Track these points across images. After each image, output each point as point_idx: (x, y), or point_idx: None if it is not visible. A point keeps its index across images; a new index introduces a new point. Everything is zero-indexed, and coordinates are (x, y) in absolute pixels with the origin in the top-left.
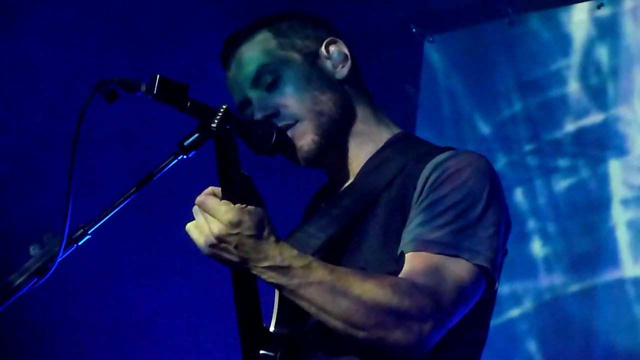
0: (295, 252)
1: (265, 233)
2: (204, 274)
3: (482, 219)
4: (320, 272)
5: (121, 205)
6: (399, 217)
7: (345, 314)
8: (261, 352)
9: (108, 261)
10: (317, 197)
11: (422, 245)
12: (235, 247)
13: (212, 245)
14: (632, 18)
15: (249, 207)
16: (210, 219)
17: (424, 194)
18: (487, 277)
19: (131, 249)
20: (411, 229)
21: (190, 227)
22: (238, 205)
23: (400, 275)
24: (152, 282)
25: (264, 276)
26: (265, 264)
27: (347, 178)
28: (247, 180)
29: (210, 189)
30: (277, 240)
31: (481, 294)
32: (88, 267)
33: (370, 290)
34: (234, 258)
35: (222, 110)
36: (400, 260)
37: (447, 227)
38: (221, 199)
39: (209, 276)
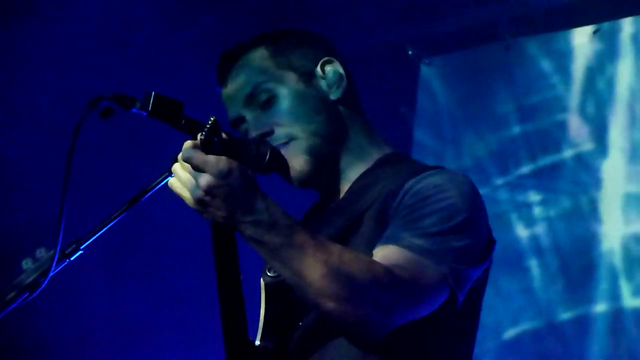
0: (281, 209)
1: (253, 186)
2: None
3: (457, 231)
4: (303, 236)
5: (114, 222)
6: (380, 230)
7: (320, 282)
8: None
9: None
10: (309, 214)
11: (396, 241)
12: (224, 199)
13: (199, 199)
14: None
15: (234, 161)
16: (198, 173)
17: (403, 203)
18: (449, 287)
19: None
20: (388, 230)
21: (173, 182)
22: (226, 157)
23: None
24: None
25: (248, 231)
26: (251, 218)
27: (337, 196)
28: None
29: (190, 142)
30: (265, 195)
31: (442, 301)
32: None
33: (349, 263)
34: (221, 212)
35: (210, 122)
36: (374, 255)
37: (420, 230)
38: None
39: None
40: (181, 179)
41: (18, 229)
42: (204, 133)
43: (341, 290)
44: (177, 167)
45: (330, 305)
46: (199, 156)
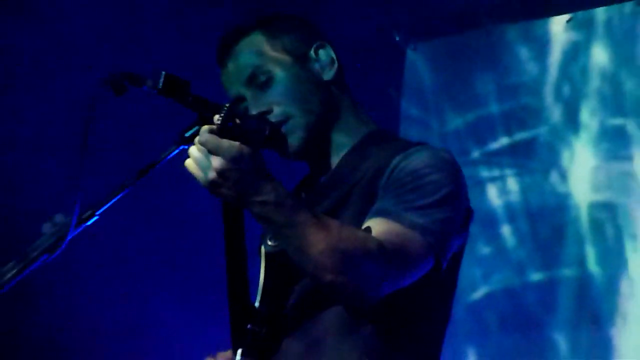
0: (287, 191)
1: (262, 169)
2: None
3: (441, 204)
4: (305, 215)
5: (126, 191)
6: (369, 204)
7: (319, 257)
8: (249, 327)
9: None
10: (299, 187)
11: (385, 215)
12: (235, 181)
13: (212, 180)
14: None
15: (245, 146)
16: (211, 156)
17: (391, 178)
18: (434, 255)
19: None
20: (378, 204)
21: (189, 163)
22: (238, 142)
23: None
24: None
25: (256, 210)
26: (260, 198)
27: (327, 170)
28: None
29: (207, 127)
30: (273, 178)
31: (428, 269)
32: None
33: (345, 240)
34: (232, 192)
35: (227, 106)
36: (366, 228)
37: (408, 204)
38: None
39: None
40: (196, 161)
41: (36, 204)
42: (220, 118)
43: (338, 264)
44: (193, 149)
45: (328, 277)
46: (214, 140)
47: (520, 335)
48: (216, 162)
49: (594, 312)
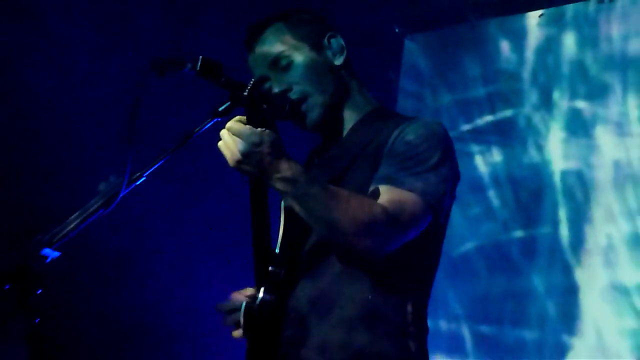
0: (301, 168)
1: (280, 152)
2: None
3: (435, 169)
4: (317, 187)
5: (167, 157)
6: (373, 168)
7: (333, 223)
8: (270, 269)
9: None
10: (312, 154)
11: (389, 181)
12: (256, 163)
13: (238, 161)
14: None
15: (267, 130)
16: (237, 140)
17: (393, 147)
18: (433, 212)
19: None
20: (382, 171)
21: (221, 145)
22: (260, 129)
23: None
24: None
25: (276, 185)
26: (278, 175)
27: (337, 139)
28: (270, 120)
29: (237, 117)
30: (288, 158)
31: (428, 224)
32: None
33: (354, 207)
34: (254, 171)
35: (252, 82)
36: (372, 193)
37: (408, 171)
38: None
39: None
40: (226, 143)
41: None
42: (247, 90)
43: (349, 228)
44: (224, 133)
45: (341, 239)
46: (239, 128)
47: (505, 279)
48: (241, 145)
49: (565, 262)
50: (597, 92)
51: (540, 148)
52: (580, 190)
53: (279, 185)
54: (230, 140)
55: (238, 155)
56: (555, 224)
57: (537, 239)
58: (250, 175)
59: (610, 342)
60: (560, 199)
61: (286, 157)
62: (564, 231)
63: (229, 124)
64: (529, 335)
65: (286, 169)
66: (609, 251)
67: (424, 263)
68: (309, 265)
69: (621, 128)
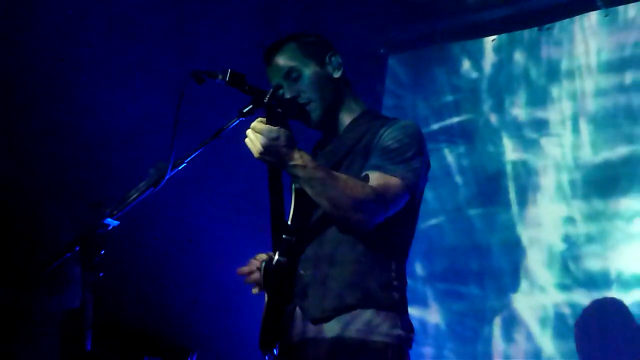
0: (310, 157)
1: (293, 145)
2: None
3: (412, 159)
4: (321, 172)
5: (202, 148)
6: (364, 158)
7: (333, 200)
8: (283, 236)
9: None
10: (315, 147)
11: (377, 168)
12: (274, 153)
13: (260, 152)
14: (518, 48)
15: (282, 128)
16: (259, 136)
17: (379, 142)
18: (410, 192)
19: None
20: (371, 161)
21: (247, 141)
22: (277, 127)
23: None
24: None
25: (290, 170)
26: (292, 163)
27: (335, 136)
28: (284, 119)
29: (259, 118)
30: (299, 150)
31: (406, 201)
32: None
33: (350, 188)
34: (273, 160)
35: (271, 90)
36: (364, 178)
37: (391, 160)
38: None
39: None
40: (250, 139)
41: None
42: (268, 96)
43: (345, 204)
44: (249, 132)
45: (339, 213)
46: (261, 126)
47: (468, 246)
48: (262, 140)
49: (514, 231)
50: (539, 100)
51: (495, 143)
52: (527, 178)
53: (293, 171)
54: (254, 137)
55: (260, 148)
56: (507, 201)
57: (494, 214)
58: (270, 163)
59: (546, 290)
60: (511, 183)
61: (298, 149)
62: (515, 208)
63: (253, 124)
64: (479, 290)
65: (298, 158)
66: (548, 223)
67: (403, 232)
68: (314, 234)
69: (557, 127)
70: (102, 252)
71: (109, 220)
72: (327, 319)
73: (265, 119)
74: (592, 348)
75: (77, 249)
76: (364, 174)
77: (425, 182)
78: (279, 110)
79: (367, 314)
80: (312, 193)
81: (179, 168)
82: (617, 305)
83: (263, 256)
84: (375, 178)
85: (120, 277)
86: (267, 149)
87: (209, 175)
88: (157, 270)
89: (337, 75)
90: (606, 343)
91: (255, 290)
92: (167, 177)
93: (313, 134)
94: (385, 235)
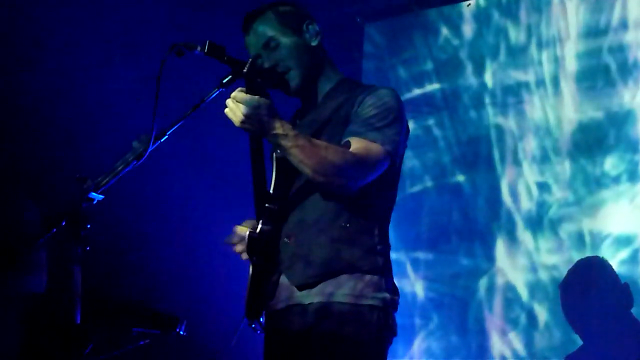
0: (290, 126)
1: (274, 113)
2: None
3: (391, 124)
4: (302, 140)
5: (182, 122)
6: (343, 125)
7: (315, 166)
8: (266, 205)
9: None
10: (295, 116)
11: (356, 134)
12: (256, 122)
13: (242, 121)
14: (495, 11)
15: (263, 98)
16: (240, 105)
17: (358, 109)
18: (390, 157)
19: None
20: (350, 127)
21: (227, 111)
22: (257, 96)
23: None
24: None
25: (271, 139)
26: (273, 131)
27: (314, 104)
28: (263, 89)
29: (239, 88)
30: (280, 118)
31: (387, 167)
32: None
33: (330, 154)
34: (255, 128)
35: (250, 60)
36: (344, 144)
37: (371, 126)
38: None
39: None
40: (231, 109)
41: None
42: (246, 67)
43: (327, 170)
44: (229, 101)
45: (321, 179)
46: (242, 96)
47: (452, 205)
48: (244, 109)
49: (498, 190)
50: (521, 64)
51: (477, 108)
52: (510, 143)
53: (274, 140)
54: (235, 106)
55: (242, 117)
56: (491, 162)
57: (476, 177)
58: (252, 132)
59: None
60: (495, 147)
61: (279, 117)
62: (499, 168)
63: (233, 94)
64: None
65: (279, 126)
66: (529, 183)
67: (385, 196)
68: (297, 201)
69: (539, 89)
70: (88, 225)
71: (93, 195)
72: (312, 285)
73: (245, 88)
74: (575, 303)
75: (63, 223)
76: (344, 140)
77: (405, 148)
78: (259, 80)
79: (351, 279)
80: (294, 161)
81: (162, 140)
82: (601, 263)
83: (249, 222)
84: (355, 144)
85: (106, 251)
86: (248, 118)
87: (193, 146)
88: (144, 242)
89: (314, 43)
90: (589, 297)
91: (244, 257)
92: (149, 149)
93: (292, 103)
94: (367, 200)
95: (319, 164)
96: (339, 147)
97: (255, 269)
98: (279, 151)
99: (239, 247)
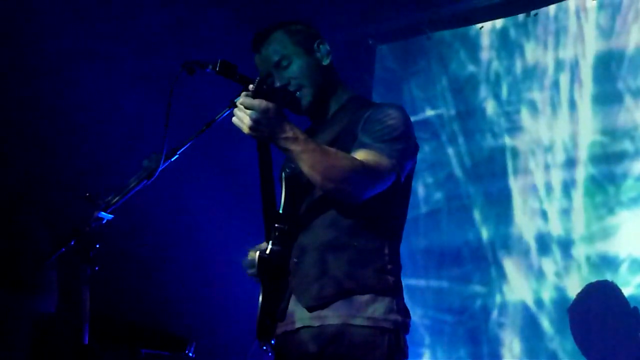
0: (300, 130)
1: (283, 117)
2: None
3: (398, 139)
4: (312, 145)
5: (194, 140)
6: (352, 142)
7: (324, 172)
8: (276, 225)
9: None
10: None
11: (365, 146)
12: (266, 125)
13: (250, 127)
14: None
15: (271, 103)
16: (248, 111)
17: (366, 123)
18: (397, 171)
19: None
20: (359, 140)
21: (234, 120)
22: (266, 101)
23: None
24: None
25: (281, 143)
26: (283, 135)
27: (323, 121)
28: (270, 95)
29: (245, 92)
30: (289, 122)
31: (394, 179)
32: None
33: (340, 161)
34: (264, 133)
35: (258, 80)
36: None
37: (378, 139)
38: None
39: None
40: (238, 116)
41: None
42: (254, 85)
43: (336, 176)
44: (236, 110)
45: (330, 186)
46: (250, 101)
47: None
48: (252, 114)
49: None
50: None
51: (493, 133)
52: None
53: (284, 144)
54: (242, 114)
55: (250, 123)
56: (506, 175)
57: (489, 188)
58: (261, 138)
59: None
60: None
61: (288, 121)
62: (512, 180)
63: (240, 101)
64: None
65: (289, 129)
66: (543, 203)
67: (394, 214)
68: (307, 221)
69: (554, 109)
70: (98, 245)
71: (102, 214)
72: (323, 306)
73: (251, 93)
74: (586, 328)
75: (73, 243)
76: (352, 152)
77: (414, 164)
78: (264, 87)
79: (362, 300)
80: (304, 166)
81: (172, 159)
82: (612, 287)
83: (262, 246)
84: (363, 154)
85: (116, 271)
86: (257, 123)
87: (203, 166)
88: (154, 262)
89: (326, 62)
90: (600, 321)
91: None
92: (160, 168)
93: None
94: (377, 219)
95: (329, 169)
96: (349, 155)
97: (265, 289)
98: (287, 169)
99: (251, 271)
